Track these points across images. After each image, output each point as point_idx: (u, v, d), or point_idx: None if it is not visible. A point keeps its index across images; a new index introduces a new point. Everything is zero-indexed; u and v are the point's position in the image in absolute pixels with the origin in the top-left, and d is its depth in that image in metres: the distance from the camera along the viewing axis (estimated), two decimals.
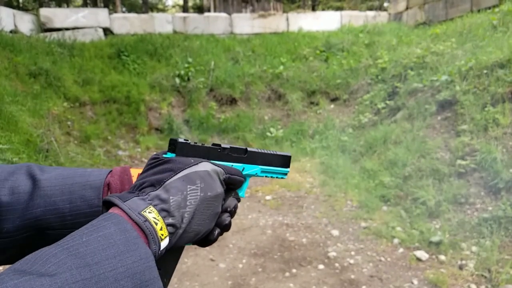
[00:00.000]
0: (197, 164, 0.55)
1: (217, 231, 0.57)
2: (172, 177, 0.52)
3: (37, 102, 5.82)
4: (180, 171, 0.52)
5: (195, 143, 0.60)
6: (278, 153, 0.71)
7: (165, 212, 0.48)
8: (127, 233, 0.43)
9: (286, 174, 0.73)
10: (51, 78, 6.64)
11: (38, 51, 7.26)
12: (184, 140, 0.58)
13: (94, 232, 0.42)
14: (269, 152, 0.70)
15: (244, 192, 0.67)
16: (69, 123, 6.20)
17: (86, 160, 5.49)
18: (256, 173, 0.68)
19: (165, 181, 0.51)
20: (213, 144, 0.63)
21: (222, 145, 0.63)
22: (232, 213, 0.59)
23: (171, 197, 0.49)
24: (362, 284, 2.94)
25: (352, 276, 3.04)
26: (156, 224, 0.46)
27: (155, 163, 0.55)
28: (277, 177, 0.73)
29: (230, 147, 0.64)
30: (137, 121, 7.18)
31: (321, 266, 3.20)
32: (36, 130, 5.02)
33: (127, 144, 6.72)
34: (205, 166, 0.55)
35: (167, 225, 0.48)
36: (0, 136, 4.24)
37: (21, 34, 8.06)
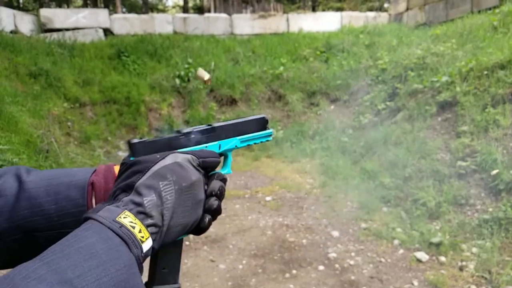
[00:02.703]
0: (164, 158, 0.53)
1: (207, 218, 0.55)
2: (141, 178, 0.51)
3: (37, 103, 5.82)
4: (148, 170, 0.51)
5: (156, 136, 0.57)
6: (250, 118, 0.67)
7: (142, 214, 0.47)
8: (110, 241, 0.42)
9: (270, 135, 0.69)
10: (51, 79, 6.64)
11: (38, 52, 7.27)
12: (140, 139, 0.56)
13: (75, 243, 0.41)
14: (240, 120, 0.66)
15: (229, 167, 0.64)
16: (69, 123, 6.20)
17: (86, 160, 5.49)
18: (236, 145, 0.65)
19: (135, 184, 0.50)
20: (176, 132, 0.59)
21: (183, 130, 0.60)
22: (219, 195, 0.57)
23: (144, 198, 0.48)
24: (362, 285, 2.93)
25: (352, 277, 3.04)
26: (134, 227, 0.45)
27: (123, 168, 0.54)
28: (261, 142, 0.69)
29: (193, 130, 0.60)
30: (137, 121, 7.18)
31: (321, 267, 3.20)
32: (36, 131, 5.01)
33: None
34: (173, 157, 0.54)
35: (147, 226, 0.47)
36: (0, 137, 4.23)
37: (22, 35, 8.06)
